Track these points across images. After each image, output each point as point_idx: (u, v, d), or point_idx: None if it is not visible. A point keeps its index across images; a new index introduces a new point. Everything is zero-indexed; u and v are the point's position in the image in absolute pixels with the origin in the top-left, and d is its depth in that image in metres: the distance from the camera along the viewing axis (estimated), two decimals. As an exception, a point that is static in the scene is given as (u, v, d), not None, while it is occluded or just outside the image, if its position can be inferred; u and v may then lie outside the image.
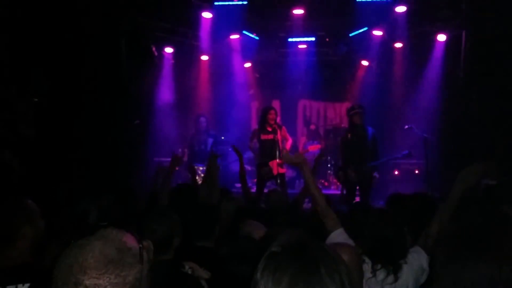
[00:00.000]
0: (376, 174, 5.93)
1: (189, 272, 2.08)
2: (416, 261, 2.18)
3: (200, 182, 6.72)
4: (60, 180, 5.28)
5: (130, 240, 1.12)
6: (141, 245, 1.13)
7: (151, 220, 2.21)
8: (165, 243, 2.18)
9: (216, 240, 2.71)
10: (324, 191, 7.93)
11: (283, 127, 6.45)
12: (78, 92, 6.02)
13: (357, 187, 6.02)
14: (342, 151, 6.28)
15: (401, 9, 7.28)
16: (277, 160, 6.13)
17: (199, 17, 7.85)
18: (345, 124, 9.52)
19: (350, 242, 2.17)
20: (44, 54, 5.61)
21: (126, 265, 1.07)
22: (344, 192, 6.20)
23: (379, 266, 2.15)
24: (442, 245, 1.24)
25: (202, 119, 7.10)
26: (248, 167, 7.69)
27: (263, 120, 6.34)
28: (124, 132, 6.94)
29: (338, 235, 2.25)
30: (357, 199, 6.07)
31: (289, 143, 6.54)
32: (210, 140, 7.09)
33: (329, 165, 8.72)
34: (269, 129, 6.27)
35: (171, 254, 2.23)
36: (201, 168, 6.97)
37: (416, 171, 7.69)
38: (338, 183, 8.32)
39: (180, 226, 2.30)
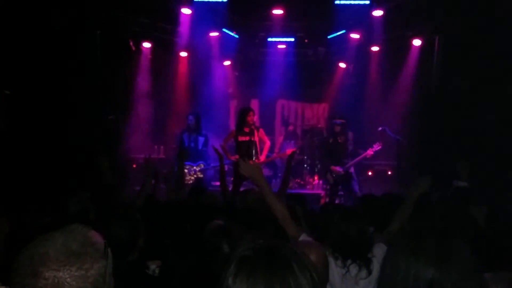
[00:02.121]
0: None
1: (156, 271, 2.08)
2: (381, 256, 2.26)
3: (189, 182, 6.77)
4: (31, 174, 5.15)
5: (95, 235, 1.11)
6: (106, 241, 1.13)
7: (114, 221, 2.19)
8: (129, 244, 2.16)
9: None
10: (300, 191, 8.13)
11: (261, 129, 6.50)
12: (51, 85, 5.87)
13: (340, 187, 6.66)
14: (323, 155, 6.75)
15: (378, 13, 7.42)
16: (255, 161, 6.16)
17: (178, 13, 7.77)
18: (321, 124, 9.70)
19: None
20: (16, 46, 5.45)
21: (89, 259, 1.05)
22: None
23: (349, 261, 2.23)
24: (393, 242, 1.29)
25: (190, 117, 7.08)
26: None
27: (242, 121, 6.35)
28: (97, 126, 6.81)
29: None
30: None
31: (266, 146, 6.57)
32: (201, 139, 7.06)
33: (305, 165, 8.81)
34: (247, 130, 6.29)
35: (136, 255, 2.21)
36: (194, 168, 6.98)
37: (389, 172, 7.87)
38: (314, 183, 8.52)
39: (143, 226, 2.29)
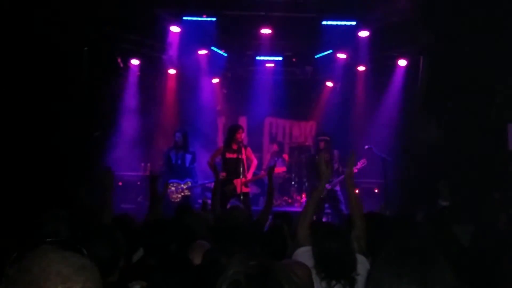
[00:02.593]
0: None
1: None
2: (363, 270, 2.24)
3: (176, 200, 6.70)
4: (9, 190, 5.02)
5: (84, 258, 1.07)
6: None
7: (94, 240, 2.12)
8: (109, 264, 2.10)
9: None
10: (287, 209, 8.10)
11: (248, 148, 6.52)
12: (36, 100, 5.79)
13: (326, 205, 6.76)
14: (309, 173, 6.90)
15: (364, 34, 7.58)
16: (241, 179, 6.14)
17: (167, 30, 7.82)
18: (309, 142, 9.75)
19: (310, 261, 2.22)
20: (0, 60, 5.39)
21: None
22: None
23: (333, 282, 2.20)
24: (377, 261, 1.28)
25: (177, 134, 7.05)
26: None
27: (230, 138, 6.35)
28: (83, 143, 6.73)
29: (304, 252, 2.30)
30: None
31: (253, 164, 6.56)
32: (188, 156, 7.02)
33: (293, 183, 8.80)
34: (235, 148, 6.29)
35: (116, 275, 2.15)
36: (181, 185, 6.92)
37: (376, 190, 7.90)
38: (301, 201, 8.50)
39: (124, 245, 2.23)
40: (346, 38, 7.66)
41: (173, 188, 6.87)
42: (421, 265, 1.18)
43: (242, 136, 6.39)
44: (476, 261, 2.41)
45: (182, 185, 6.98)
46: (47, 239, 1.13)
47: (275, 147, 9.59)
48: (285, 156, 9.10)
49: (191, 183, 7.03)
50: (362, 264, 2.27)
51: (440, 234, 2.62)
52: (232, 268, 1.03)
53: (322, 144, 6.80)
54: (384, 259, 1.25)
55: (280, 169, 7.13)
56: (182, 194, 6.92)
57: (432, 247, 1.25)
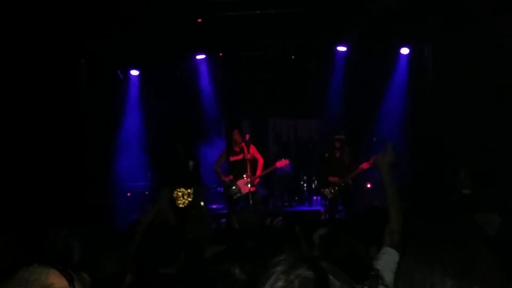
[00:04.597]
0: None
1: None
2: (391, 262, 2.09)
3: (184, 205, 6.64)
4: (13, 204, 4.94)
5: (57, 281, 0.95)
6: (72, 285, 0.97)
7: (99, 255, 2.00)
8: (115, 280, 1.97)
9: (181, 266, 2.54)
10: (298, 208, 7.95)
11: (251, 146, 6.29)
12: (34, 114, 5.69)
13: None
14: (319, 170, 7.16)
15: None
16: (246, 179, 5.99)
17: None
18: (316, 139, 9.57)
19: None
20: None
21: None
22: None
23: (358, 286, 2.06)
24: (408, 252, 1.15)
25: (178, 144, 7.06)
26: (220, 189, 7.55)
27: (229, 141, 6.23)
28: (87, 154, 6.65)
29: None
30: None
31: (260, 163, 6.40)
32: (191, 163, 6.95)
33: (301, 182, 8.64)
34: (237, 149, 6.15)
35: None
36: (188, 191, 6.87)
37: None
38: (312, 199, 8.36)
39: (132, 261, 2.11)
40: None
41: (180, 194, 6.80)
42: (458, 254, 1.05)
43: (240, 136, 6.18)
44: (503, 250, 2.26)
45: (189, 191, 6.91)
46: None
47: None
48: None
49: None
50: (390, 256, 2.12)
51: (462, 223, 2.46)
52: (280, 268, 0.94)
53: (337, 144, 6.72)
54: (413, 249, 1.12)
55: (283, 162, 6.92)
56: (188, 200, 6.83)
57: (466, 235, 1.11)
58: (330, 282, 0.93)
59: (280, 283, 0.92)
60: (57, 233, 2.75)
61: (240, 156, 6.10)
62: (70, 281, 0.97)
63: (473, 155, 5.43)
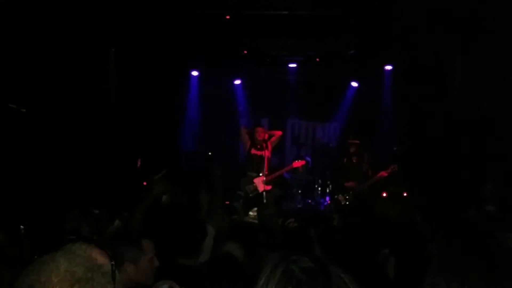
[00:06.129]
0: None
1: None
2: None
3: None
4: (38, 190, 5.09)
5: (100, 257, 1.00)
6: (113, 262, 1.02)
7: (118, 246, 2.05)
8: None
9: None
10: (312, 211, 7.88)
11: (269, 142, 6.39)
12: (66, 103, 5.87)
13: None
14: (335, 175, 7.19)
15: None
16: (262, 177, 6.12)
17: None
18: (333, 143, 9.54)
19: None
20: (33, 64, 5.48)
21: (96, 285, 0.95)
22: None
23: None
24: (434, 263, 1.16)
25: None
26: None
27: (252, 139, 6.40)
28: (112, 145, 6.77)
29: None
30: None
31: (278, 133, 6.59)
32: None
33: (316, 186, 8.62)
34: (259, 146, 6.27)
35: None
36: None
37: (405, 194, 7.63)
38: (325, 203, 8.31)
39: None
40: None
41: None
42: (484, 265, 1.07)
43: (263, 135, 6.35)
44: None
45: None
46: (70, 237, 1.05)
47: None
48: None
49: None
50: None
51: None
52: (277, 260, 0.94)
53: (352, 149, 6.70)
54: (441, 260, 1.13)
55: (299, 163, 6.94)
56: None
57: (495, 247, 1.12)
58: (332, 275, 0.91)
59: (280, 269, 0.92)
60: (70, 214, 2.85)
61: (261, 152, 6.24)
62: (111, 259, 1.02)
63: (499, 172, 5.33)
